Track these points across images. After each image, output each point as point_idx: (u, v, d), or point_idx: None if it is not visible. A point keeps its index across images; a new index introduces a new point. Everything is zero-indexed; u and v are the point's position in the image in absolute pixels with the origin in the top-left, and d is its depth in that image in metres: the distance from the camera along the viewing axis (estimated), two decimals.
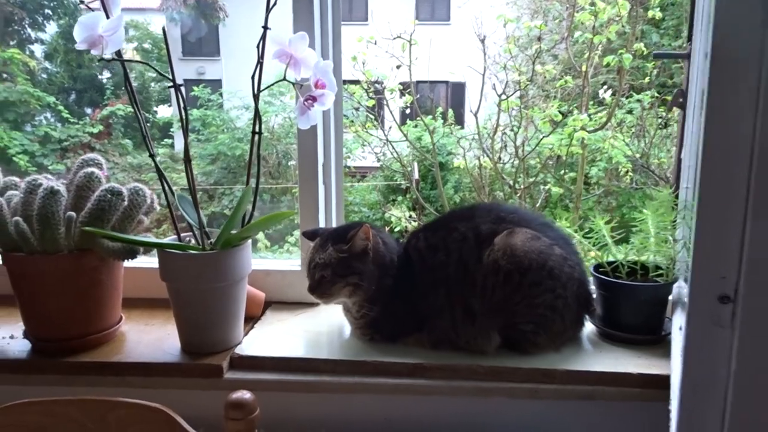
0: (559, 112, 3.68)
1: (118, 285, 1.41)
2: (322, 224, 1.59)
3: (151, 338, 1.43)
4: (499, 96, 4.03)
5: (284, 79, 1.34)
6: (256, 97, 1.33)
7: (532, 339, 1.31)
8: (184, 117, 1.27)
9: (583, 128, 3.58)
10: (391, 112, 3.90)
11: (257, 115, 1.33)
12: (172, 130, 7.40)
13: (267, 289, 1.57)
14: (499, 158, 3.87)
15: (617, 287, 1.38)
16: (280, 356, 1.33)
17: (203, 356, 1.32)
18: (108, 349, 1.37)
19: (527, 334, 1.31)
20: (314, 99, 1.32)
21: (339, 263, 1.30)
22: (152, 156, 1.32)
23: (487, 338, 1.31)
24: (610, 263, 1.46)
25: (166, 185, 1.32)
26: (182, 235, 1.39)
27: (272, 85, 1.35)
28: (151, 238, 1.38)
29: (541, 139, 3.68)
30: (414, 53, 4.11)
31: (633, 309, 1.39)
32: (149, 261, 1.48)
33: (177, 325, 1.37)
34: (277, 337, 1.43)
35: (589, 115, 3.68)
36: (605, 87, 3.94)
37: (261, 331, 1.46)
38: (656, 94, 4.89)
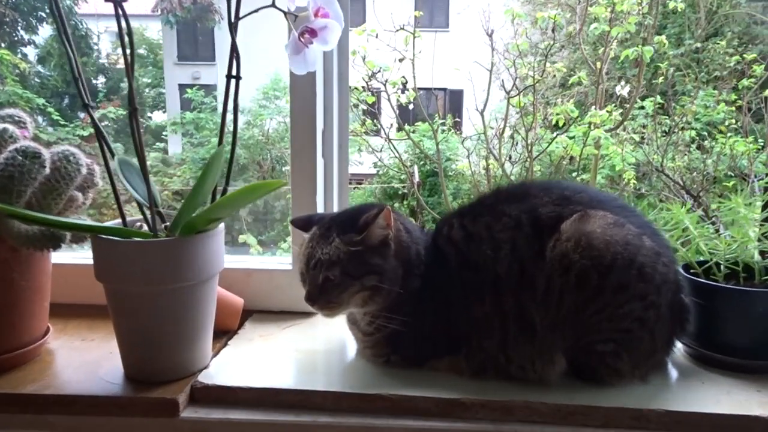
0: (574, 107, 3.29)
1: (40, 286, 1.00)
2: (320, 209, 1.18)
3: (85, 359, 1.02)
4: (508, 93, 3.63)
5: (273, 5, 0.94)
6: (232, 27, 0.93)
7: (612, 364, 0.91)
8: (128, 45, 0.86)
9: (600, 125, 3.19)
10: (392, 107, 3.49)
11: (234, 52, 0.93)
12: (165, 133, 6.98)
13: (247, 295, 1.16)
14: (509, 157, 3.48)
15: (722, 294, 0.99)
16: (261, 387, 0.92)
17: (154, 386, 0.92)
18: (22, 376, 0.96)
19: (605, 356, 0.90)
20: (313, 33, 0.92)
21: (351, 259, 0.91)
22: (87, 106, 0.90)
23: (550, 362, 0.92)
24: (700, 263, 1.06)
25: (104, 145, 0.91)
26: (131, 220, 0.99)
27: (254, 12, 0.94)
28: (85, 221, 0.97)
29: (556, 136, 3.30)
30: (414, 49, 3.71)
31: (742, 323, 0.99)
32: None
33: (118, 342, 0.95)
34: (258, 359, 1.02)
35: (609, 112, 3.29)
36: (623, 83, 3.56)
37: (236, 351, 1.05)
38: (659, 101, 4.54)
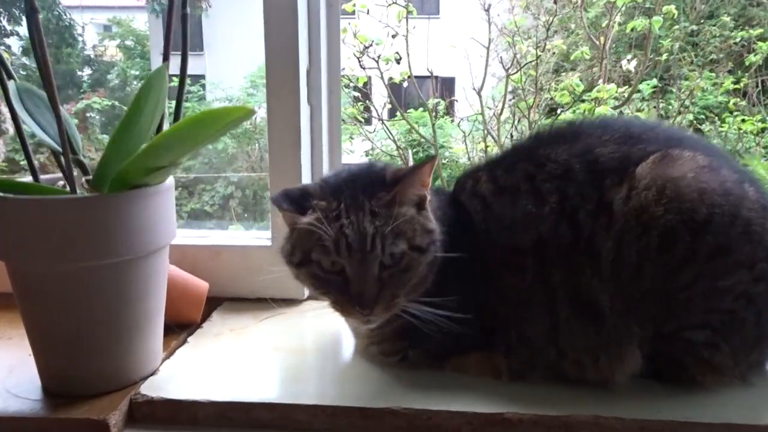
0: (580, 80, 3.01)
1: None
2: (306, 171, 0.91)
3: None
4: (507, 70, 3.35)
5: None
6: None
7: (708, 357, 0.65)
8: None
9: (608, 100, 2.92)
10: (385, 85, 3.20)
11: None
12: None
13: (215, 278, 0.90)
14: (511, 135, 3.20)
15: None
16: (227, 400, 0.66)
17: (77, 402, 0.66)
18: None
19: (698, 348, 0.64)
20: None
21: (413, 226, 0.66)
22: None
23: (618, 358, 0.67)
24: None
25: (2, 69, 0.64)
26: (50, 177, 0.72)
27: None
28: None
29: (559, 114, 3.02)
30: (408, 25, 3.41)
31: None
32: None
33: (30, 343, 0.68)
34: (227, 361, 0.76)
35: (618, 85, 3.02)
36: (630, 58, 3.30)
37: (197, 351, 0.78)
38: (657, 84, 4.29)
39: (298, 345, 0.81)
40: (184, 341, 0.81)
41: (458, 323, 0.65)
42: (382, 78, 3.34)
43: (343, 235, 0.63)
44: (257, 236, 0.94)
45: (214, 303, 0.91)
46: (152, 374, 0.71)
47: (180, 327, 0.83)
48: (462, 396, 0.66)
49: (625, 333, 0.65)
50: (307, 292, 0.93)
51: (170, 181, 0.69)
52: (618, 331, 0.65)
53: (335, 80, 0.93)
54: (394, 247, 0.63)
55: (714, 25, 5.87)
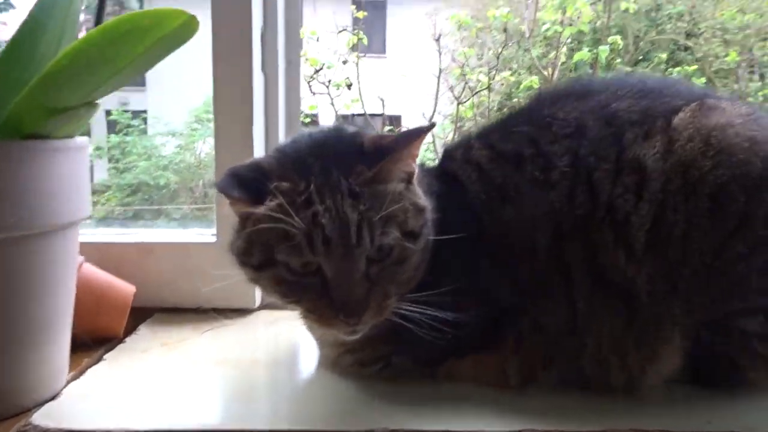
0: None
1: None
2: (259, 143, 0.75)
3: None
4: (458, 98, 3.31)
5: None
6: None
7: (762, 350, 0.52)
8: None
9: None
10: (335, 112, 3.10)
11: None
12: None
13: (145, 282, 0.72)
14: None
15: None
16: (151, 430, 0.48)
17: None
18: None
19: (751, 339, 0.52)
20: None
21: (405, 206, 0.52)
22: None
23: (653, 354, 0.53)
24: None
25: None
26: None
27: None
28: None
29: None
30: (358, 50, 3.35)
31: None
32: None
33: None
34: (154, 381, 0.58)
35: None
36: None
37: (115, 371, 0.61)
38: None
39: (248, 358, 0.64)
40: (100, 358, 0.62)
41: (455, 320, 0.51)
42: (332, 104, 3.24)
43: (318, 227, 0.48)
44: (199, 232, 0.78)
45: (142, 313, 0.73)
46: (52, 398, 0.53)
47: (97, 341, 0.65)
48: (462, 411, 0.51)
49: (664, 322, 0.52)
50: (259, 300, 0.76)
51: (83, 140, 0.52)
52: (655, 319, 0.52)
53: (294, 48, 0.80)
54: (384, 237, 0.49)
55: (646, 68, 6.14)
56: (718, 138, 0.50)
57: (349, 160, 0.51)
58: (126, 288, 0.69)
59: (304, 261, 0.49)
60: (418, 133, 0.51)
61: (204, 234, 0.76)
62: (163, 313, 0.74)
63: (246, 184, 0.50)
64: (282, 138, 0.79)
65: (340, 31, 3.36)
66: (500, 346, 0.55)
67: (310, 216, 0.48)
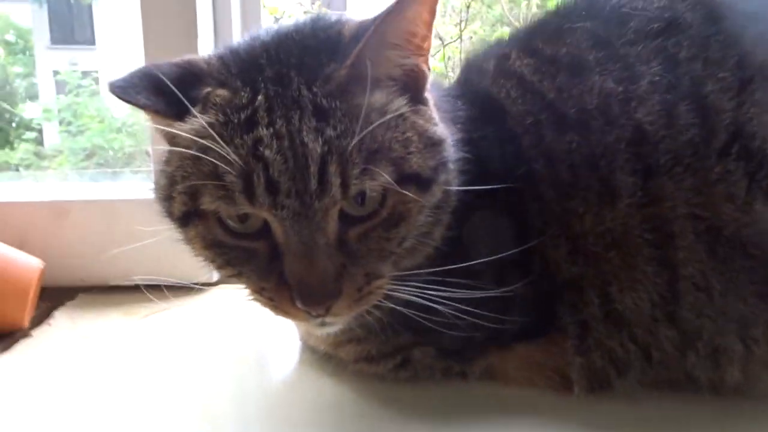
0: None
1: None
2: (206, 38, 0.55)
3: None
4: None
5: None
6: None
7: None
8: None
9: None
10: None
11: None
12: (37, 122, 5.83)
13: (59, 255, 0.51)
14: None
15: None
16: None
17: None
18: None
19: None
20: None
21: (401, 130, 0.33)
22: None
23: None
24: None
25: None
26: None
27: None
28: None
29: None
30: None
31: None
32: None
33: None
34: (71, 391, 0.39)
35: None
36: None
37: (15, 378, 0.41)
38: None
39: (205, 355, 0.45)
40: None
41: (492, 300, 0.34)
42: None
43: (260, 162, 0.31)
44: (126, 187, 0.58)
45: (58, 295, 0.53)
46: None
47: None
48: (508, 424, 0.34)
49: None
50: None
51: None
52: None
53: None
54: (367, 180, 0.31)
55: None
56: None
57: (319, 61, 0.33)
58: (30, 264, 0.49)
59: (239, 213, 0.32)
60: (396, 13, 0.32)
61: (138, 188, 0.57)
62: (88, 294, 0.55)
63: (162, 86, 0.32)
64: (235, 15, 0.59)
65: None
66: (557, 338, 0.38)
67: (251, 144, 0.31)
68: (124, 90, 0.33)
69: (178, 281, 0.54)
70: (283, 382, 0.43)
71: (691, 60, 0.36)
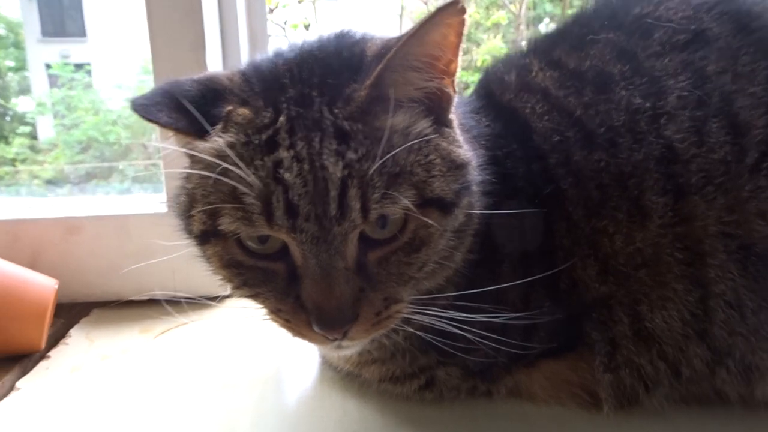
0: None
1: None
2: (213, 48, 0.54)
3: None
4: None
5: None
6: None
7: None
8: None
9: None
10: None
11: None
12: (30, 116, 5.76)
13: (72, 273, 0.50)
14: None
15: None
16: None
17: None
18: None
19: None
20: None
21: (424, 154, 0.32)
22: None
23: None
24: None
25: None
26: None
27: None
28: None
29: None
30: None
31: None
32: None
33: None
34: (91, 417, 0.38)
35: None
36: (547, 21, 3.12)
37: (34, 405, 0.41)
38: None
39: (223, 376, 0.45)
40: (11, 388, 0.43)
41: (516, 323, 0.33)
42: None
43: (280, 185, 0.30)
44: (144, 199, 0.57)
45: (73, 312, 0.53)
46: None
47: (9, 358, 0.45)
48: None
49: None
50: None
51: None
52: None
53: None
54: (387, 203, 0.30)
55: None
56: None
57: (341, 81, 0.32)
58: (44, 286, 0.48)
59: (257, 234, 0.31)
60: (444, 13, 0.30)
61: (152, 203, 0.56)
62: (102, 310, 0.54)
63: (181, 105, 0.32)
64: (243, 38, 0.58)
65: None
66: (585, 356, 0.38)
67: (271, 166, 0.30)
68: (146, 108, 0.32)
69: (194, 293, 0.54)
70: (306, 400, 0.43)
71: (719, 74, 0.36)
